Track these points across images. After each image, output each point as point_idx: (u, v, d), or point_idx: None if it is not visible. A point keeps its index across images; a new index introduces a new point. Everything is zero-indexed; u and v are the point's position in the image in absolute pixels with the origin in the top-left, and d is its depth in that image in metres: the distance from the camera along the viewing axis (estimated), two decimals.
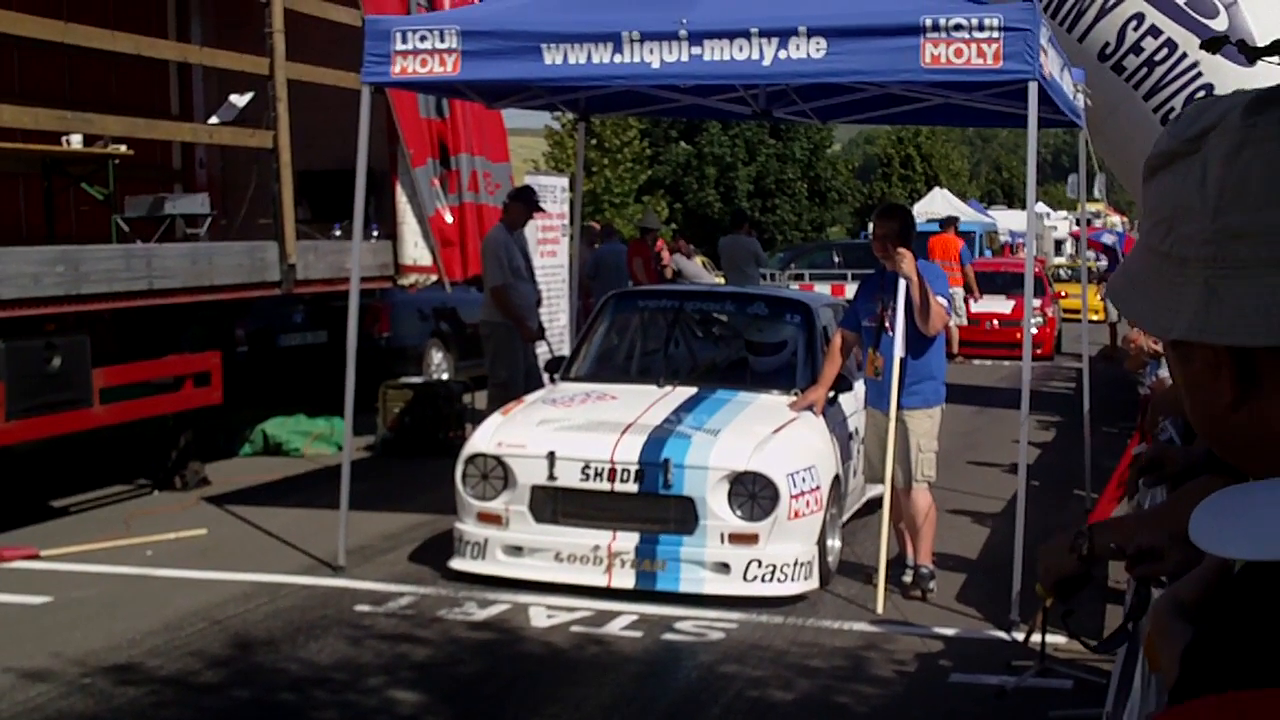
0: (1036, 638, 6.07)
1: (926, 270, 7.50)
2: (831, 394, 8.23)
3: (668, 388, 8.29)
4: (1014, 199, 63.06)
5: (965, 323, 20.09)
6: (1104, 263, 22.98)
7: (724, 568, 7.29)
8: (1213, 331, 0.93)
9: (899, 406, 7.44)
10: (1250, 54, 2.68)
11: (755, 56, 7.12)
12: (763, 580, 7.28)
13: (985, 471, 11.25)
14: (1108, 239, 22.99)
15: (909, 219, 7.75)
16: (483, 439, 7.72)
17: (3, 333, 8.21)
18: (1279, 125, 0.91)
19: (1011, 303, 20.93)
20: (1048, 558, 2.55)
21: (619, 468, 7.36)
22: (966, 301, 20.21)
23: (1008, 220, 42.80)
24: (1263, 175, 0.90)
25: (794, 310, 9.01)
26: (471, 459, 7.63)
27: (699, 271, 19.94)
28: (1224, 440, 0.98)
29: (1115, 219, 45.68)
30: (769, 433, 7.58)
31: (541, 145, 42.61)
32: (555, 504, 7.51)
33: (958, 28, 6.86)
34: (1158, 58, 11.98)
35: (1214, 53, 2.87)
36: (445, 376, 14.10)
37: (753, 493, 7.25)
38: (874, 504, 9.10)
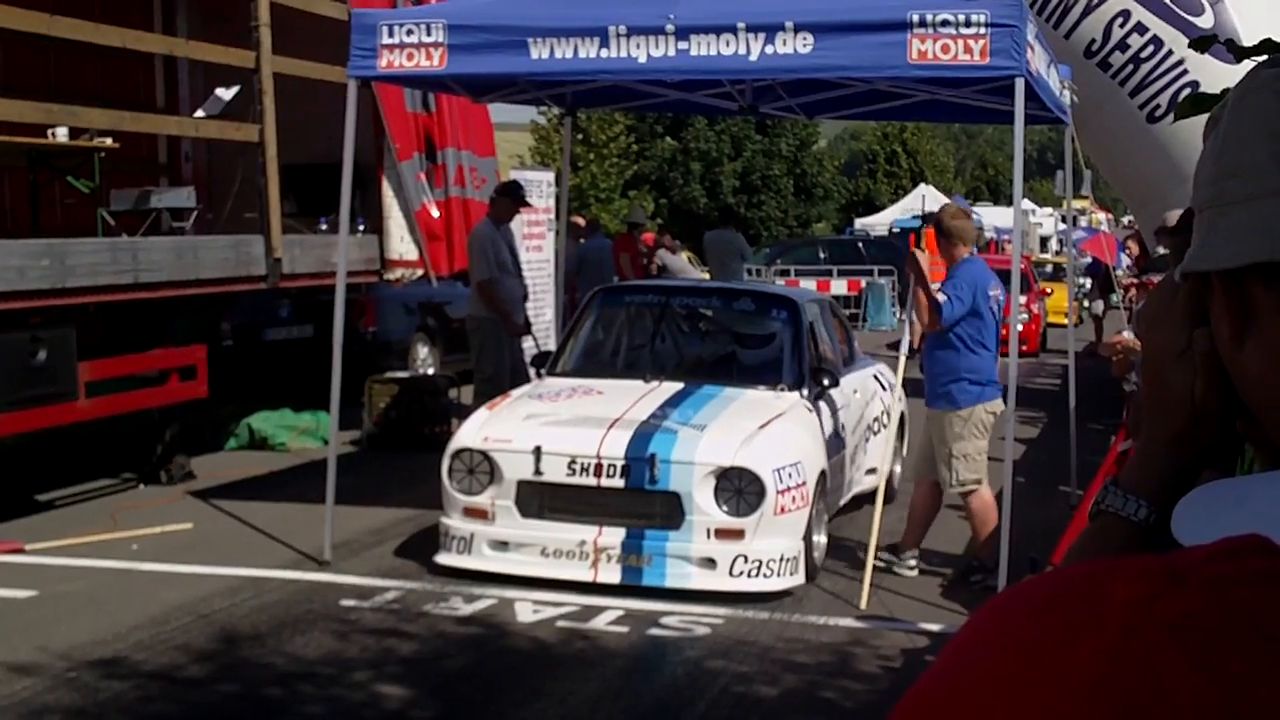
0: None
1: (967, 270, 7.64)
2: (819, 388, 8.31)
3: (654, 383, 8.28)
4: (999, 196, 63.11)
5: None
6: (1087, 259, 23.04)
7: (710, 563, 7.29)
8: (1200, 260, 0.96)
9: (938, 407, 7.68)
10: (1238, 53, 2.68)
11: (742, 51, 7.13)
12: (749, 575, 7.28)
13: None
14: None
15: (938, 223, 7.90)
16: (469, 434, 7.71)
17: None
18: (1276, 73, 0.94)
19: None
20: None
21: (605, 463, 7.36)
22: None
23: (993, 217, 42.80)
24: (1254, 116, 0.94)
25: (781, 306, 9.02)
26: (458, 454, 7.62)
27: (684, 266, 19.93)
28: (1236, 382, 1.00)
29: (1100, 216, 45.79)
30: (755, 428, 7.59)
31: (527, 140, 42.55)
32: (541, 499, 7.50)
33: (944, 23, 6.87)
34: (1144, 54, 12.00)
35: (1202, 52, 2.88)
36: (431, 371, 14.08)
37: (739, 488, 7.25)
38: (860, 499, 9.14)
